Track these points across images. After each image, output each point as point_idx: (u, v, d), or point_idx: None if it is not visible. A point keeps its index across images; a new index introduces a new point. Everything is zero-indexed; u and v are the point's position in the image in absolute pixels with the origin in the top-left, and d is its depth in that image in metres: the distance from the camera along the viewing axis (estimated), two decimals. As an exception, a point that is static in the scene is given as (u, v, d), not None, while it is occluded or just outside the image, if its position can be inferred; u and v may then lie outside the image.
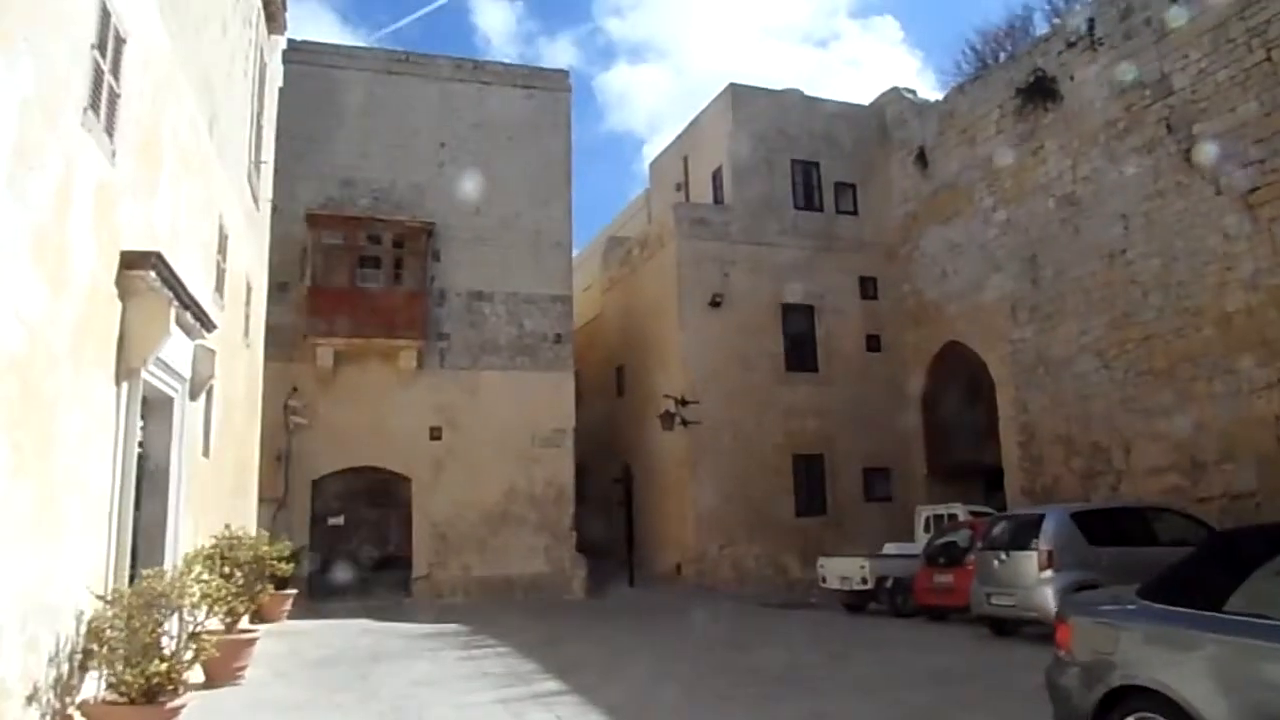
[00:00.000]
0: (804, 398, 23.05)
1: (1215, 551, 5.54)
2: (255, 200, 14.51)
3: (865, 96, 25.05)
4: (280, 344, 19.08)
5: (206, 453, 10.93)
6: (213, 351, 9.37)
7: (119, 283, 7.06)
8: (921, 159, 24.11)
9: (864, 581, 15.36)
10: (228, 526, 9.80)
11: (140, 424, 8.35)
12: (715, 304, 22.49)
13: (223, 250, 11.57)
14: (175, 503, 8.82)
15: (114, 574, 6.94)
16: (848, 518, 22.88)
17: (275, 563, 9.64)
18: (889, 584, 15.27)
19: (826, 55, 76.50)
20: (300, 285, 19.38)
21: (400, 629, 14.51)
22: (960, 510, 17.06)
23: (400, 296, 19.60)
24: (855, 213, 24.86)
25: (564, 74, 22.53)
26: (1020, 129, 20.74)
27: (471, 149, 21.21)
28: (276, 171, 18.66)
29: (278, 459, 18.66)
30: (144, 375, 7.55)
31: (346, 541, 19.19)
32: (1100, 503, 13.74)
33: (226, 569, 9.39)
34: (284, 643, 12.76)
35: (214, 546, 9.44)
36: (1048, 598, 10.60)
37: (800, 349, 23.41)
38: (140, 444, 8.21)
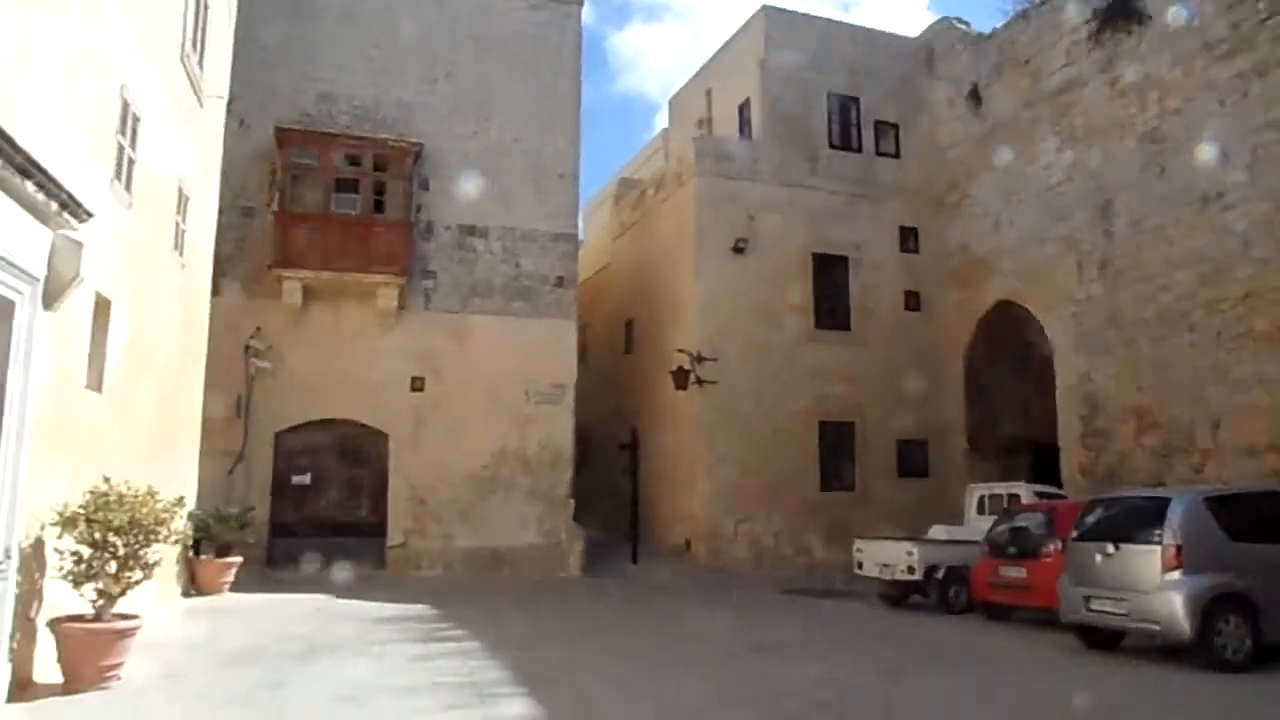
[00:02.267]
0: (834, 359, 20.58)
1: None
2: (196, 92, 12.04)
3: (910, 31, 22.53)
4: (243, 278, 16.81)
5: (96, 386, 8.55)
6: (79, 245, 6.95)
7: None
8: (974, 96, 21.44)
9: (910, 571, 12.96)
10: (106, 480, 7.42)
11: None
12: (738, 250, 19.97)
13: (129, 133, 9.12)
14: (10, 447, 6.43)
15: None
16: (878, 494, 20.50)
17: (160, 526, 7.24)
18: (939, 574, 12.87)
19: (861, 12, 73.10)
20: (267, 212, 16.95)
21: (359, 609, 12.21)
22: (1024, 490, 14.59)
23: (381, 227, 17.14)
24: (897, 155, 22.24)
25: (576, -14, 19.88)
26: (1096, 57, 18.05)
27: (468, 65, 18.64)
28: (244, 82, 16.29)
29: (236, 408, 16.32)
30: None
31: (313, 503, 16.88)
32: (1242, 486, 11.20)
33: (97, 534, 7.03)
34: (206, 625, 10.49)
35: (81, 507, 7.07)
36: (1175, 607, 8.21)
37: (831, 305, 20.90)
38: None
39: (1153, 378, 16.52)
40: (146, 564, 7.30)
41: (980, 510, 14.94)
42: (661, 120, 26.35)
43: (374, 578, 16.14)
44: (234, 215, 16.87)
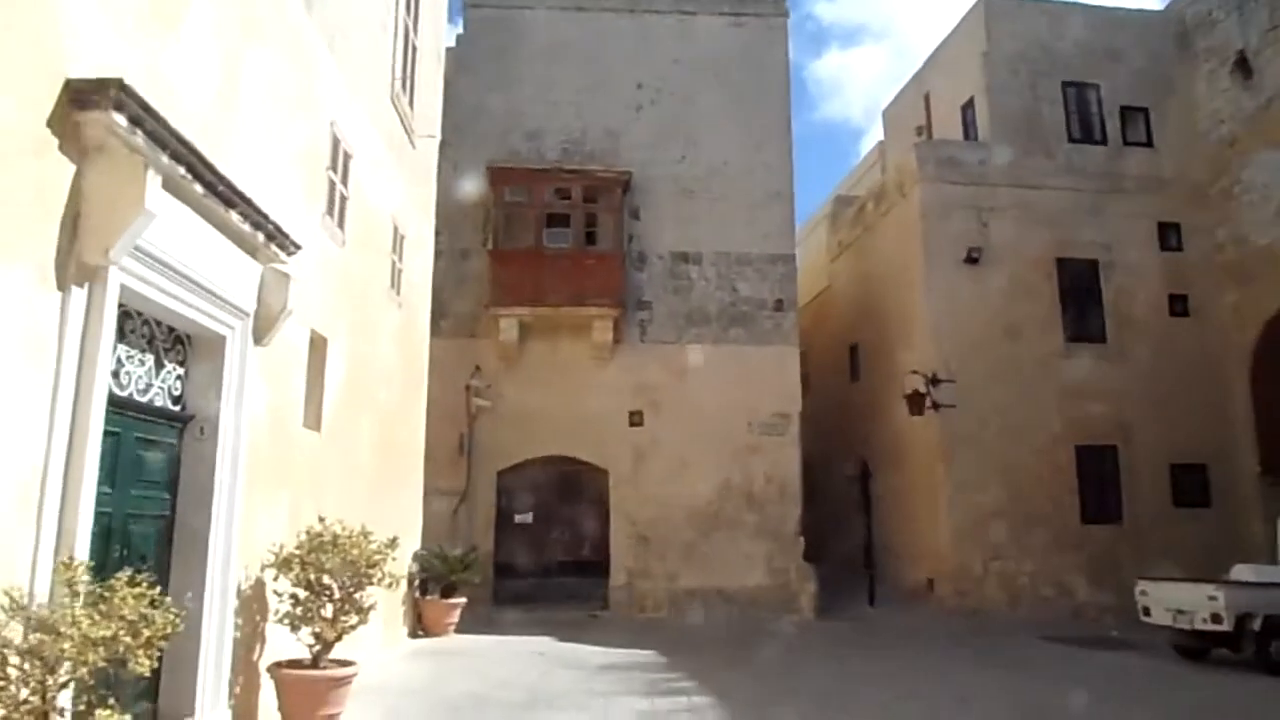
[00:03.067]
0: (1088, 375, 18.36)
1: None
2: (408, 132, 12.12)
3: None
4: (462, 318, 16.95)
5: (315, 424, 8.42)
6: (287, 277, 6.74)
7: (61, 130, 4.45)
8: (1242, 66, 18.78)
9: (1215, 619, 10.88)
10: (321, 520, 7.14)
11: (153, 366, 5.79)
12: (971, 260, 18.27)
13: (340, 169, 9.07)
14: (227, 485, 6.21)
15: (43, 582, 4.28)
16: (1150, 527, 17.96)
17: (373, 569, 6.85)
18: (1255, 624, 10.74)
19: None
20: (482, 252, 17.09)
21: (581, 653, 11.63)
22: None
23: (593, 259, 16.86)
24: (1149, 144, 19.81)
25: (779, -2, 19.07)
26: (1404, 2, 15.27)
27: (673, 88, 18.20)
28: (455, 126, 16.65)
29: (459, 447, 16.39)
30: (125, 280, 4.92)
31: (535, 542, 16.65)
32: None
33: (311, 576, 6.72)
34: (428, 668, 10.17)
35: (296, 548, 6.79)
36: None
37: (1082, 314, 18.70)
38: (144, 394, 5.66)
39: None
40: (361, 608, 6.92)
41: (1297, 545, 12.52)
42: (869, 143, 25.01)
43: (597, 619, 15.64)
44: (452, 258, 17.12)
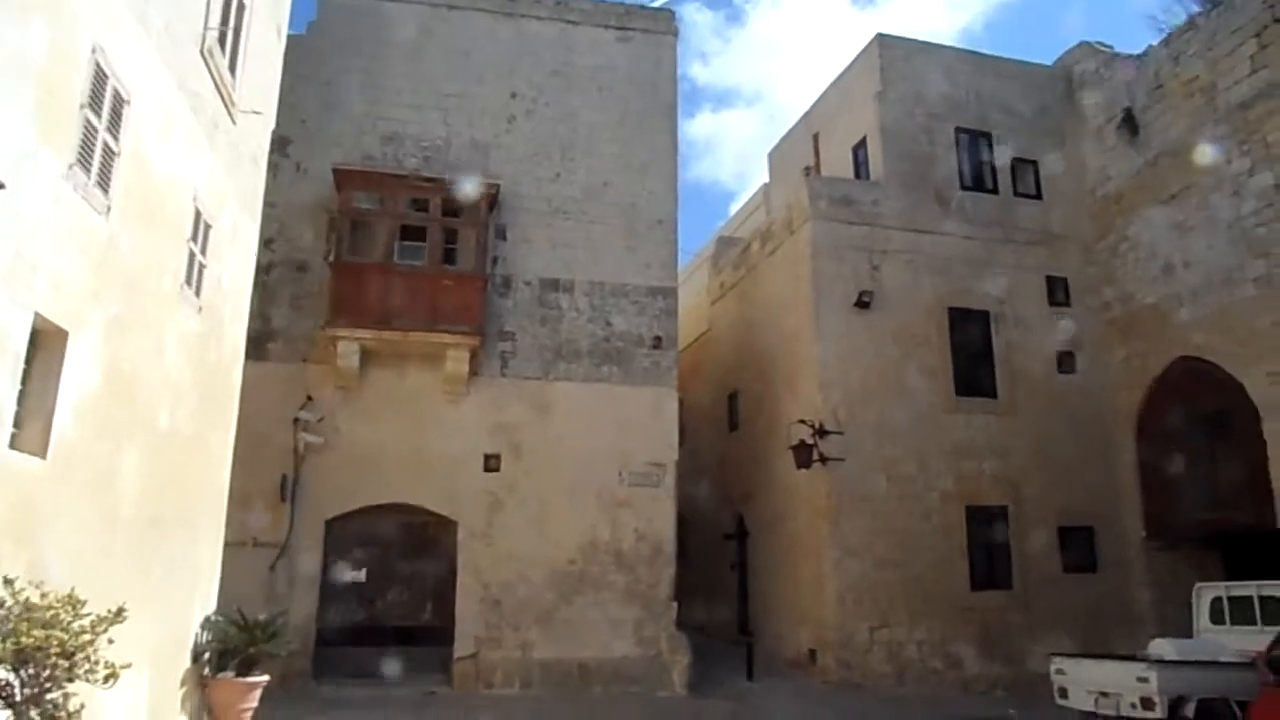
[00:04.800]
0: (979, 432, 17.37)
1: None
2: (225, 100, 9.92)
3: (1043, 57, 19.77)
4: (293, 340, 14.59)
5: (37, 448, 6.08)
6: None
7: None
8: (1129, 123, 18.45)
9: (1146, 704, 9.54)
10: (8, 583, 4.84)
11: None
12: (863, 304, 17.10)
13: (106, 113, 6.85)
14: None
15: None
16: (1039, 594, 16.97)
17: (76, 653, 4.60)
18: (1189, 710, 9.45)
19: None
20: (323, 266, 14.82)
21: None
22: None
23: (450, 280, 14.80)
24: (1039, 196, 19.27)
25: (669, 14, 17.76)
26: (1296, 59, 15.05)
27: (550, 101, 16.51)
28: (302, 124, 14.72)
29: (281, 490, 13.90)
30: None
31: (368, 605, 14.23)
32: None
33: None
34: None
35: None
36: None
37: (973, 368, 17.75)
38: None
39: None
40: (55, 716, 4.63)
41: (1217, 619, 11.42)
42: (740, 202, 23.80)
43: (435, 697, 13.33)
44: (287, 271, 14.82)
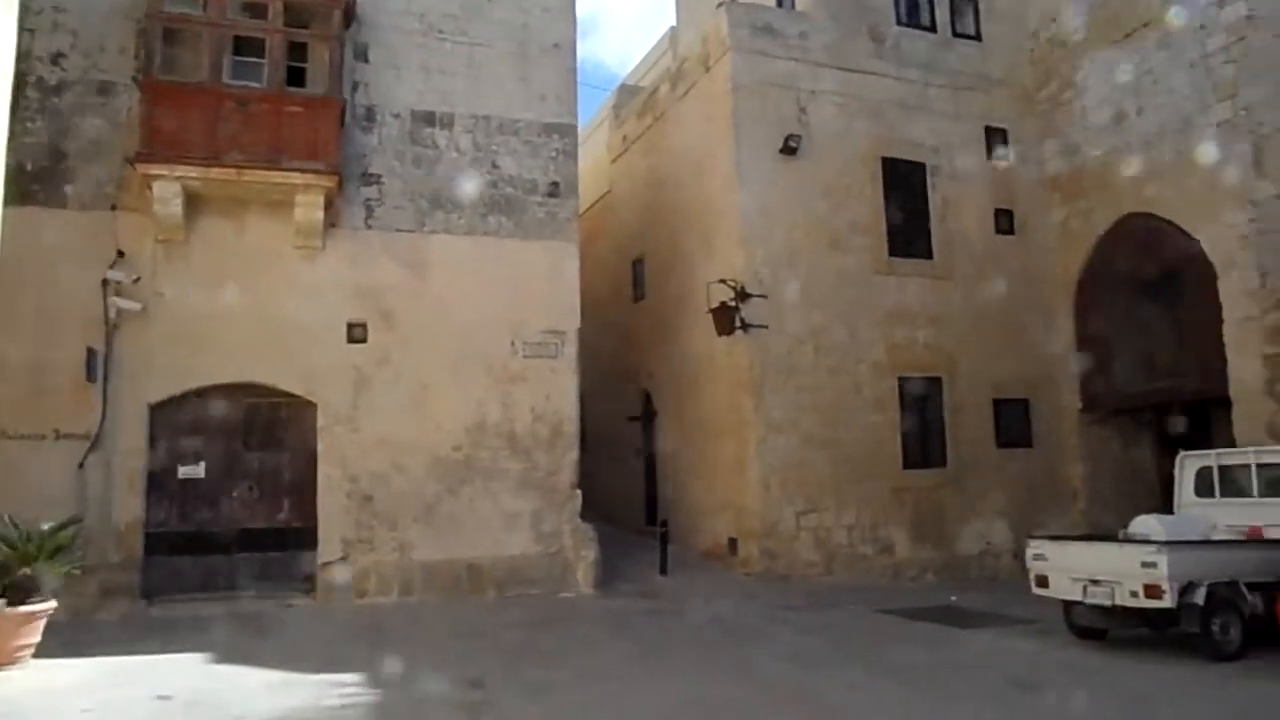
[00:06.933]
0: (914, 297, 15.67)
1: None
2: None
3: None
4: (96, 182, 11.62)
5: None
6: None
7: None
8: (1081, -46, 16.51)
9: (1152, 592, 8.00)
10: None
11: None
12: (789, 150, 14.92)
13: None
14: None
15: None
16: (972, 471, 15.67)
17: None
18: (1199, 598, 7.96)
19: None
20: (132, 88, 11.71)
21: (243, 688, 7.16)
22: None
23: (298, 106, 11.88)
24: (978, 37, 17.26)
25: None
26: None
27: (420, -109, 13.43)
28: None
29: (87, 369, 11.12)
30: None
31: (210, 505, 11.71)
32: None
33: None
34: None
35: None
36: None
37: (907, 226, 15.91)
38: None
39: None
40: None
41: (1204, 492, 10.00)
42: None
43: (296, 611, 11.10)
44: (85, 93, 11.70)
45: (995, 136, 17.00)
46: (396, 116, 12.87)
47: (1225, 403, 13.80)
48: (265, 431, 12.02)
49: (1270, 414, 13.13)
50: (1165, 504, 13.51)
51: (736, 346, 14.32)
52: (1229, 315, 13.75)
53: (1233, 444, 12.85)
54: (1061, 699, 7.17)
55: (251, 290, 11.80)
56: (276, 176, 11.52)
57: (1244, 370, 13.47)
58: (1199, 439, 13.98)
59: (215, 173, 11.33)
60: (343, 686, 7.21)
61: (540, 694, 7.12)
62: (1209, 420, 15.16)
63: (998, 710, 6.89)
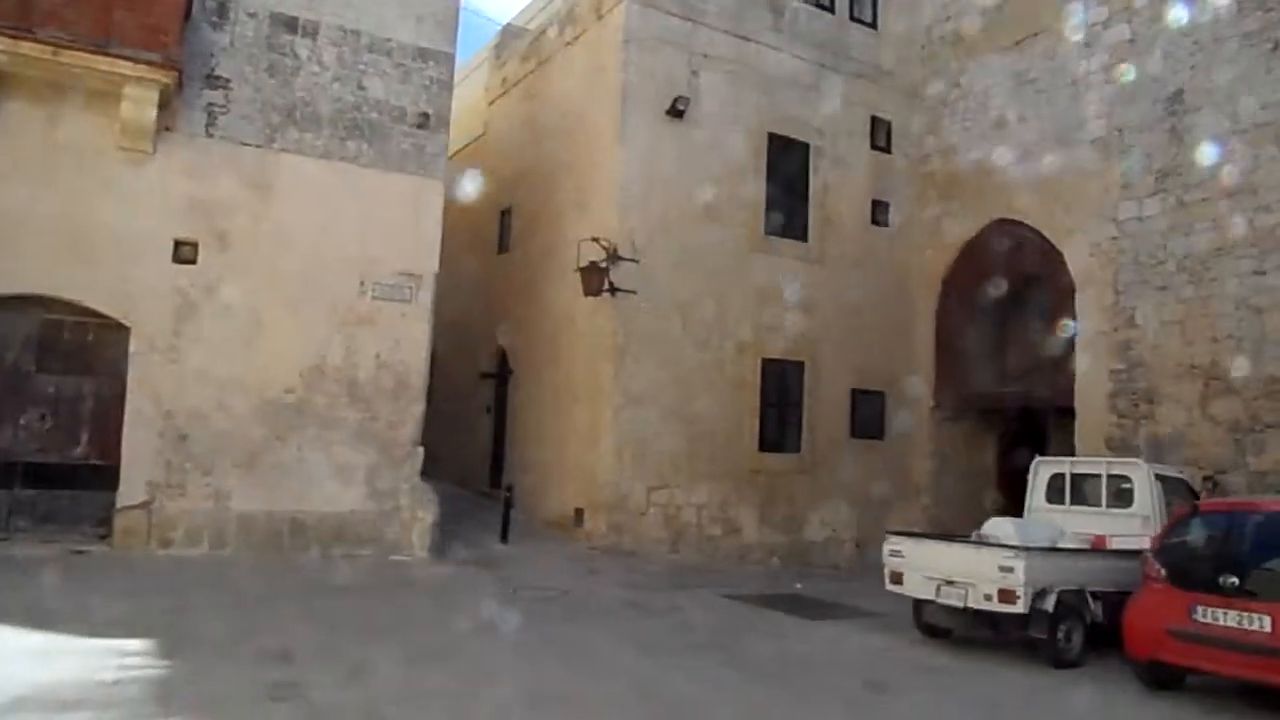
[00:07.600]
0: (785, 279, 15.37)
1: None
2: None
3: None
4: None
5: None
6: None
7: None
8: (978, -47, 16.54)
9: (1004, 598, 7.87)
10: None
11: None
12: (676, 113, 14.31)
13: None
14: None
15: None
16: (825, 459, 15.64)
17: None
18: (1049, 604, 7.88)
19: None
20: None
21: (7, 645, 6.06)
22: (1142, 471, 9.62)
23: (133, -16, 10.42)
24: (874, 24, 17.09)
25: None
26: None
27: None
28: None
29: None
30: None
31: (-10, 431, 10.23)
32: None
33: None
34: None
35: None
36: None
37: (788, 205, 15.63)
38: None
39: (1236, 327, 12.19)
40: None
41: (1055, 498, 10.04)
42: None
43: (88, 558, 9.82)
44: None
45: (880, 127, 16.92)
46: (253, 16, 11.48)
47: (1069, 412, 14.19)
48: (65, 355, 10.55)
49: (1109, 427, 13.55)
50: (1008, 504, 13.85)
51: (601, 310, 13.67)
52: (1083, 328, 14.09)
53: (1071, 452, 13.23)
54: (915, 704, 6.90)
55: (62, 191, 10.30)
56: (102, 62, 10.01)
57: (1091, 382, 13.84)
58: (1037, 446, 14.32)
59: (26, 47, 9.73)
60: (123, 655, 6.20)
61: (357, 677, 6.31)
62: (1045, 427, 15.62)
63: (853, 714, 6.56)
